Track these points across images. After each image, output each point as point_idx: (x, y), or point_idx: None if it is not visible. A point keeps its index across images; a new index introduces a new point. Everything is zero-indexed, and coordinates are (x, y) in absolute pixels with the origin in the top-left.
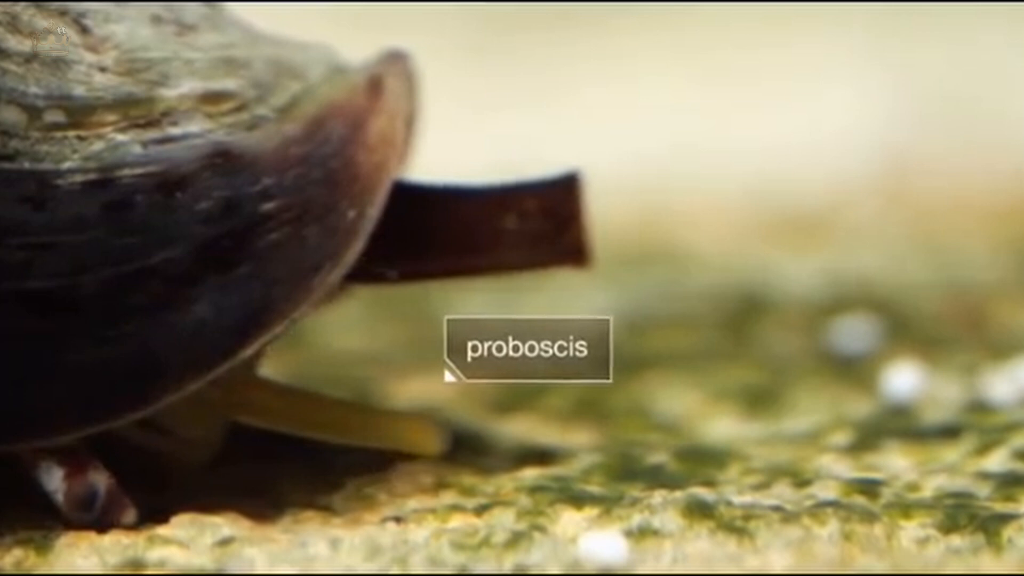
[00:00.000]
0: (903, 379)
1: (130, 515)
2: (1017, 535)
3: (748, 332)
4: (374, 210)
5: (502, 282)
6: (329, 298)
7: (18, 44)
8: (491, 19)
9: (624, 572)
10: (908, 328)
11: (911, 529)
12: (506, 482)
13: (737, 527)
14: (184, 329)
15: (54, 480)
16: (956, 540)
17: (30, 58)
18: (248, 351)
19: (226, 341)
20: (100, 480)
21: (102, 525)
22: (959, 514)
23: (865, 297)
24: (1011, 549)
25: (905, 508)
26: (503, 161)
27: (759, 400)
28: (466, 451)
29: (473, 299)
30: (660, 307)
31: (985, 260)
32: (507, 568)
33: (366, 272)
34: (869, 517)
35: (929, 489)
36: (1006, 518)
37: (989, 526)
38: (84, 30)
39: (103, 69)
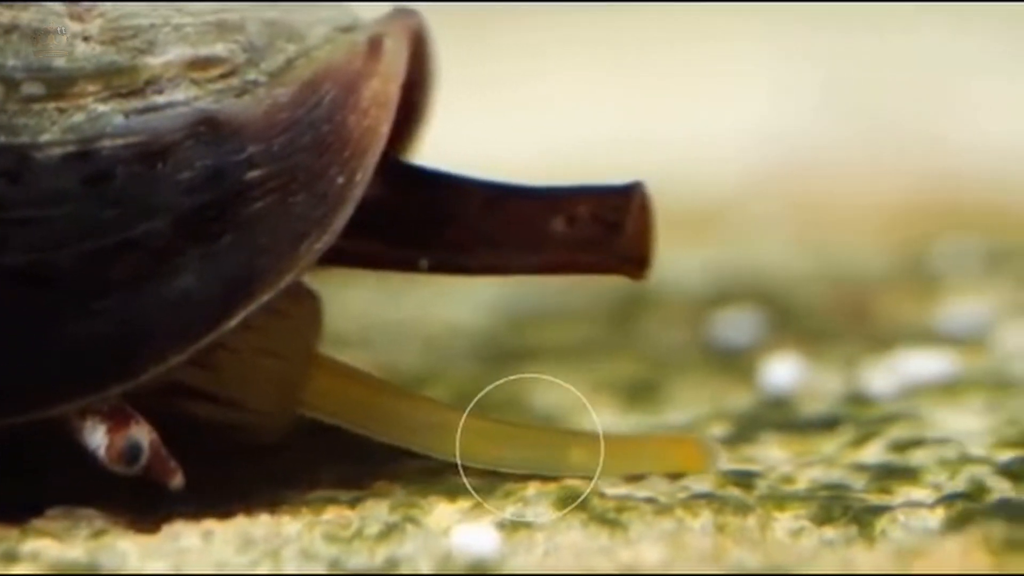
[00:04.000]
0: (782, 371)
1: (177, 478)
2: (890, 527)
3: (632, 325)
4: (364, 175)
5: (383, 278)
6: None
7: None
8: None
9: (495, 564)
10: (791, 321)
11: (785, 521)
12: (381, 474)
13: (610, 519)
14: (167, 301)
15: (97, 437)
16: (829, 532)
17: (10, 30)
18: (233, 321)
19: (211, 312)
20: (142, 434)
21: (148, 485)
22: (833, 506)
23: (750, 290)
24: (884, 541)
25: (779, 500)
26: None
27: (639, 392)
28: (341, 442)
29: (352, 293)
30: (544, 300)
31: (871, 255)
32: (379, 560)
33: (396, 259)
34: (743, 509)
35: (804, 481)
36: (879, 510)
37: (863, 518)
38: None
39: (87, 38)
